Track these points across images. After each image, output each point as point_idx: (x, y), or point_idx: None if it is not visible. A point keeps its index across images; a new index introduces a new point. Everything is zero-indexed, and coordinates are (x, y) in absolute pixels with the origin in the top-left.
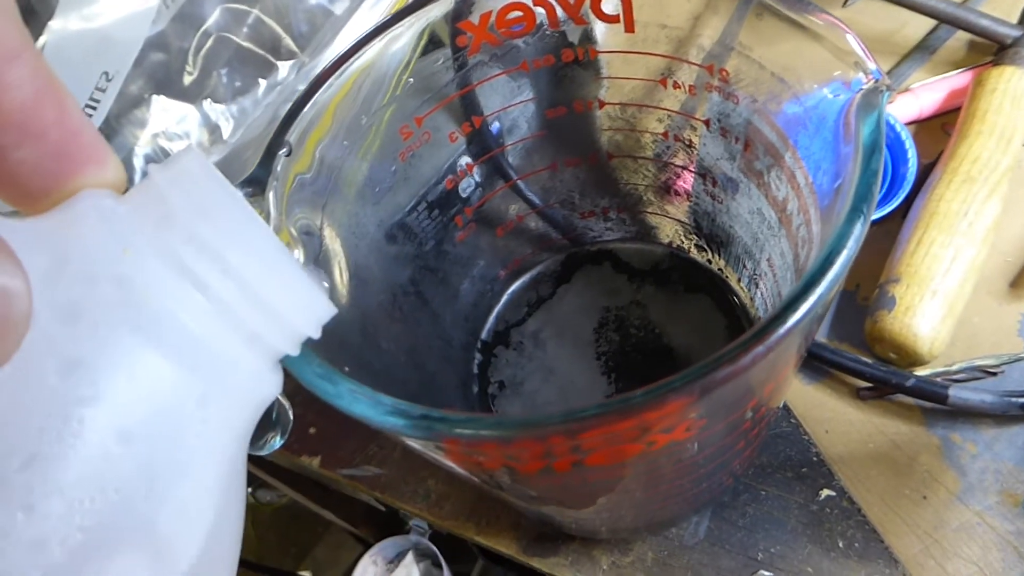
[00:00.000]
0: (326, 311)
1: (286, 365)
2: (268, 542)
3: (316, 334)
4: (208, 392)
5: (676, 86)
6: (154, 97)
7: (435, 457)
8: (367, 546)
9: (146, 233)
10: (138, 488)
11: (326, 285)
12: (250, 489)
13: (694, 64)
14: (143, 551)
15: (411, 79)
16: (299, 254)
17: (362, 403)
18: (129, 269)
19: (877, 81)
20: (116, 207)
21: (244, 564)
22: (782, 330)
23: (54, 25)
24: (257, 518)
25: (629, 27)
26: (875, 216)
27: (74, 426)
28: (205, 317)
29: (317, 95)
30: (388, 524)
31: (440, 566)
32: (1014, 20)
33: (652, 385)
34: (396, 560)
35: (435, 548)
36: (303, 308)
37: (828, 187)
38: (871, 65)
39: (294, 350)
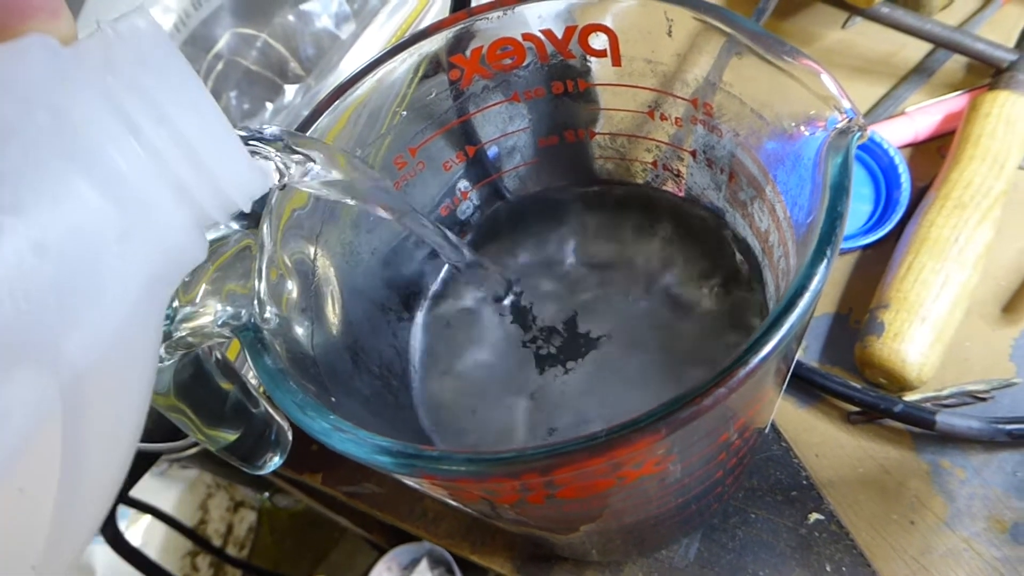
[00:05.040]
0: (259, 184)
1: (269, 393)
2: (285, 547)
3: (246, 207)
4: (129, 230)
5: (664, 118)
6: None
7: (423, 490)
8: (382, 552)
9: (87, 72)
10: (48, 304)
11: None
12: (267, 495)
13: (680, 98)
14: (43, 368)
15: (404, 112)
16: (292, 285)
17: (343, 439)
18: (66, 101)
19: (851, 120)
20: (61, 48)
21: (261, 572)
22: (743, 372)
23: None
24: (274, 523)
25: (616, 61)
26: (869, 240)
27: None
28: (135, 158)
29: (313, 127)
30: (402, 531)
31: (454, 573)
32: (1011, 44)
33: (616, 424)
34: (410, 566)
35: (449, 556)
36: (235, 174)
37: (803, 221)
38: (845, 104)
39: (223, 218)
